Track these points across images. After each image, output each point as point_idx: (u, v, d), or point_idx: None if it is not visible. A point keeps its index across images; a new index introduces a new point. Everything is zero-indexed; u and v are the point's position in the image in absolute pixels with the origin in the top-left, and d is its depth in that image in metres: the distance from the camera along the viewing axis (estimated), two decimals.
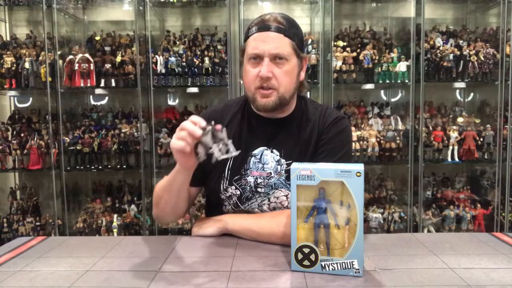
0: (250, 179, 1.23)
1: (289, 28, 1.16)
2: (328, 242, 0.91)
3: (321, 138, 1.22)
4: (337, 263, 0.90)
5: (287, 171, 1.20)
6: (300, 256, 0.92)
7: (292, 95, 1.21)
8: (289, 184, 1.16)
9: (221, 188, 1.25)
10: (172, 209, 1.23)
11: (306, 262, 0.91)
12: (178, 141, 1.00)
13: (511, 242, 1.12)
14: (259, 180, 1.23)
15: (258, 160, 1.23)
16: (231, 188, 1.25)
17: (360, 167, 0.87)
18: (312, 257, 0.91)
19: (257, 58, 1.15)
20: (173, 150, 1.03)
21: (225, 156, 0.97)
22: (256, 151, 1.24)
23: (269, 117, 1.25)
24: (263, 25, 1.15)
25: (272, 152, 1.23)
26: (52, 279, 0.92)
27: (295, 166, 0.91)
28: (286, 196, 1.23)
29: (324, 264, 0.90)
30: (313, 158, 1.21)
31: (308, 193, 0.91)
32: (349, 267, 0.89)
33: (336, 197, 0.89)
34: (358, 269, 0.89)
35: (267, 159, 1.22)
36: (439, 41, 3.05)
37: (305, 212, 0.91)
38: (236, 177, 1.24)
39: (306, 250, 0.91)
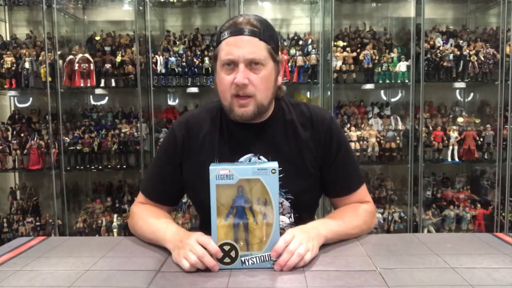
0: None
1: (264, 31, 1.09)
2: (247, 239, 0.94)
3: (328, 147, 1.20)
4: (255, 257, 0.94)
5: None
6: (220, 254, 0.94)
7: (270, 101, 1.16)
8: (282, 190, 1.16)
9: None
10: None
11: (226, 260, 0.94)
12: (188, 265, 0.93)
13: None
14: None
15: None
16: None
17: (274, 164, 0.93)
18: (233, 253, 0.94)
19: (231, 64, 1.08)
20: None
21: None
22: (242, 159, 1.18)
23: (248, 122, 1.17)
24: (236, 29, 1.08)
25: (259, 159, 1.17)
26: (52, 279, 0.92)
27: (214, 167, 0.93)
28: (281, 203, 1.18)
29: (244, 259, 0.94)
30: (329, 167, 1.21)
31: (227, 192, 0.93)
32: (267, 259, 0.94)
33: (254, 194, 0.93)
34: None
35: None
36: (439, 41, 3.05)
37: (225, 211, 0.94)
38: None
39: (227, 248, 0.94)
